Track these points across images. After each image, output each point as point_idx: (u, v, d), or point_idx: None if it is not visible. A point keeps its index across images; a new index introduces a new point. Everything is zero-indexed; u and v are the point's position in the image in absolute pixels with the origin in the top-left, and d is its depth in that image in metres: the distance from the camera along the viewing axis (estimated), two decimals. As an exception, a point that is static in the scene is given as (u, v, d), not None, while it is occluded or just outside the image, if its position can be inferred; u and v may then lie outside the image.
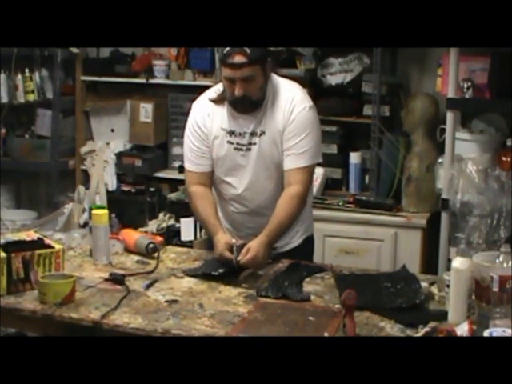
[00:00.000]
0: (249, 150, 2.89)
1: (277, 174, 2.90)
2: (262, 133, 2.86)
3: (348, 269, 2.88)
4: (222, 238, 2.78)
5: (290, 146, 2.84)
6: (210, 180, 2.99)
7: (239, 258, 2.69)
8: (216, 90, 2.95)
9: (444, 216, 3.73)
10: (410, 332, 2.27)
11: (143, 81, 4.78)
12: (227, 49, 2.73)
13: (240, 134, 2.89)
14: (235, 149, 2.90)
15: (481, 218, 2.71)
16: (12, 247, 2.61)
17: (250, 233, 2.88)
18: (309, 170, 2.89)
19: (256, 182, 2.92)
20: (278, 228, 2.81)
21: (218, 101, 2.92)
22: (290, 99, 2.86)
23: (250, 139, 2.88)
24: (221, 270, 2.69)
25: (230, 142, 2.91)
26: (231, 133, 2.90)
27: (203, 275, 2.72)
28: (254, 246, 2.72)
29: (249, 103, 2.82)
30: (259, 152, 2.88)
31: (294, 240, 3.02)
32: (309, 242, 3.10)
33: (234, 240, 2.76)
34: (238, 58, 2.72)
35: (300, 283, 2.67)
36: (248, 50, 2.71)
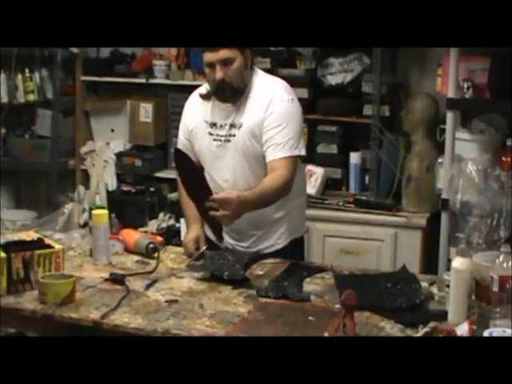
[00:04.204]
0: (228, 141, 2.91)
1: (257, 166, 2.90)
2: (241, 125, 2.89)
3: (348, 269, 2.88)
4: (193, 232, 2.96)
5: (269, 138, 2.84)
6: None
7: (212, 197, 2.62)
8: (207, 86, 2.99)
9: (444, 216, 3.73)
10: (409, 332, 2.26)
11: (143, 81, 4.78)
12: None
13: (221, 125, 2.93)
14: (214, 140, 2.94)
15: (481, 218, 2.70)
16: (12, 247, 2.61)
17: (233, 227, 2.90)
18: (291, 161, 2.84)
19: (236, 174, 2.93)
20: (259, 194, 2.73)
21: (206, 97, 2.97)
22: (269, 93, 2.88)
23: (229, 131, 2.91)
24: (228, 273, 2.66)
25: (210, 134, 2.95)
26: (212, 124, 2.95)
27: (212, 275, 2.70)
28: (232, 192, 2.67)
29: (230, 89, 2.84)
30: (238, 144, 2.90)
31: (280, 242, 3.01)
32: (296, 245, 3.07)
33: (202, 242, 2.93)
34: None
35: (300, 283, 2.67)
36: None
